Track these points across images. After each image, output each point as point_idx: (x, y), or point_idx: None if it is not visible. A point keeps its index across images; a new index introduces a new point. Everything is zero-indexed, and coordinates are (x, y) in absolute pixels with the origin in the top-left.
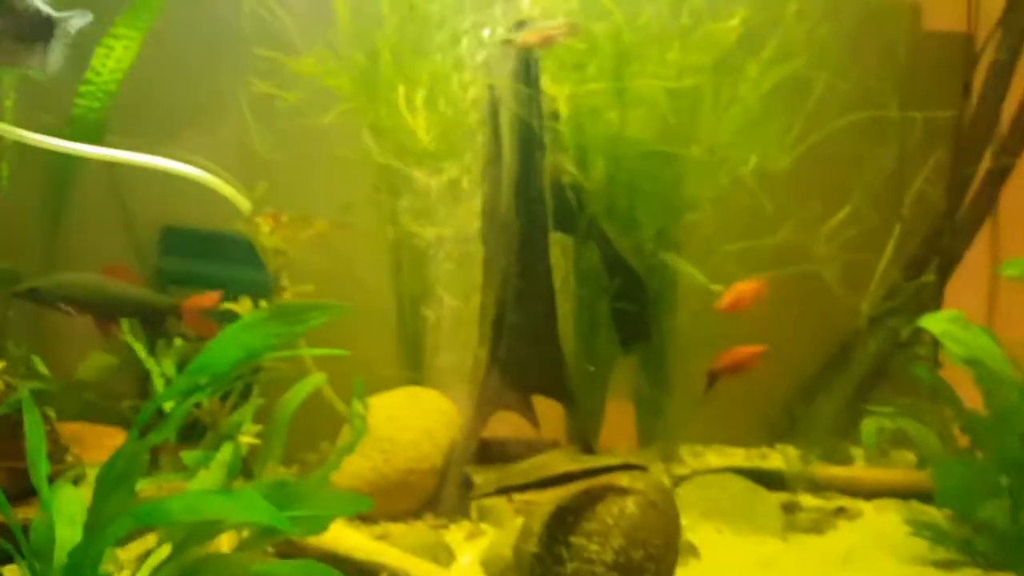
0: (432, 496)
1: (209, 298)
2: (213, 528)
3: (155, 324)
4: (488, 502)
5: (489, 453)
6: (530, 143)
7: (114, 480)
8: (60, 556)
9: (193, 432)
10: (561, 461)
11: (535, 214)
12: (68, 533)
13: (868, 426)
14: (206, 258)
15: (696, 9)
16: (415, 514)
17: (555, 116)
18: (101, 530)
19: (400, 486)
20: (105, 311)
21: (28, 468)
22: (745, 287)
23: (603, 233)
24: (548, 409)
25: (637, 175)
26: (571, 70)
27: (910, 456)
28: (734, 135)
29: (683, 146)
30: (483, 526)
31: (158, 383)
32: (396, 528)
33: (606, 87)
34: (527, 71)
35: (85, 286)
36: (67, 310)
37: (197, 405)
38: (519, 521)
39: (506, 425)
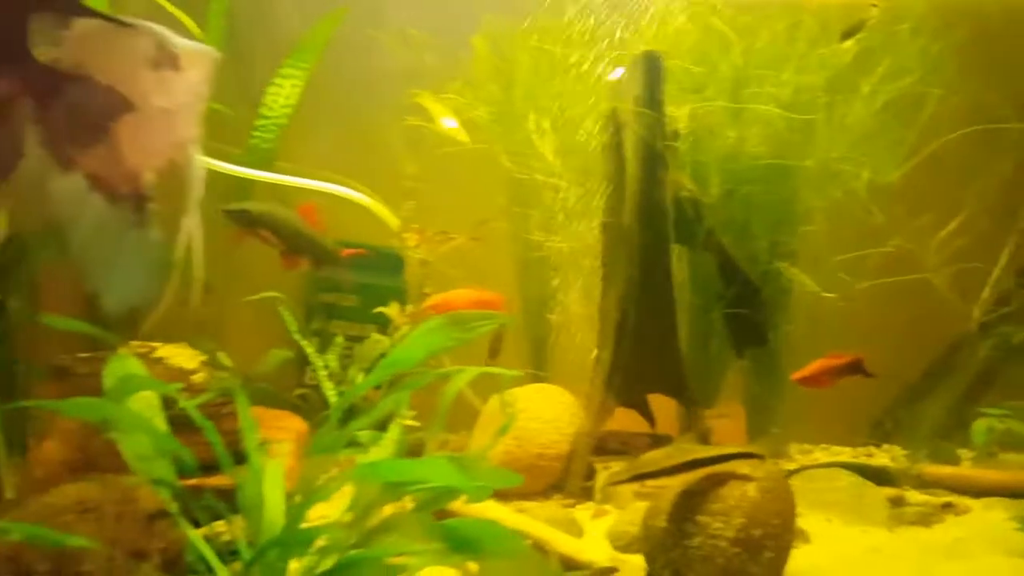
0: (558, 480)
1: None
2: (396, 494)
3: (321, 265)
4: (609, 487)
5: (607, 445)
6: (653, 161)
7: (320, 451)
8: (270, 512)
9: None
10: (687, 451)
11: (658, 226)
12: (274, 494)
13: (978, 426)
14: (352, 267)
15: (812, 34)
16: (543, 495)
17: (675, 135)
18: (314, 491)
19: (530, 469)
20: (292, 245)
21: (243, 437)
22: (830, 363)
23: (720, 244)
24: (659, 408)
25: (753, 189)
26: (690, 92)
27: (1019, 458)
28: (847, 150)
29: (798, 161)
30: (606, 507)
31: (321, 374)
32: (530, 505)
33: (724, 107)
34: (652, 95)
35: (285, 220)
36: (266, 237)
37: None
38: (639, 504)
39: (616, 421)
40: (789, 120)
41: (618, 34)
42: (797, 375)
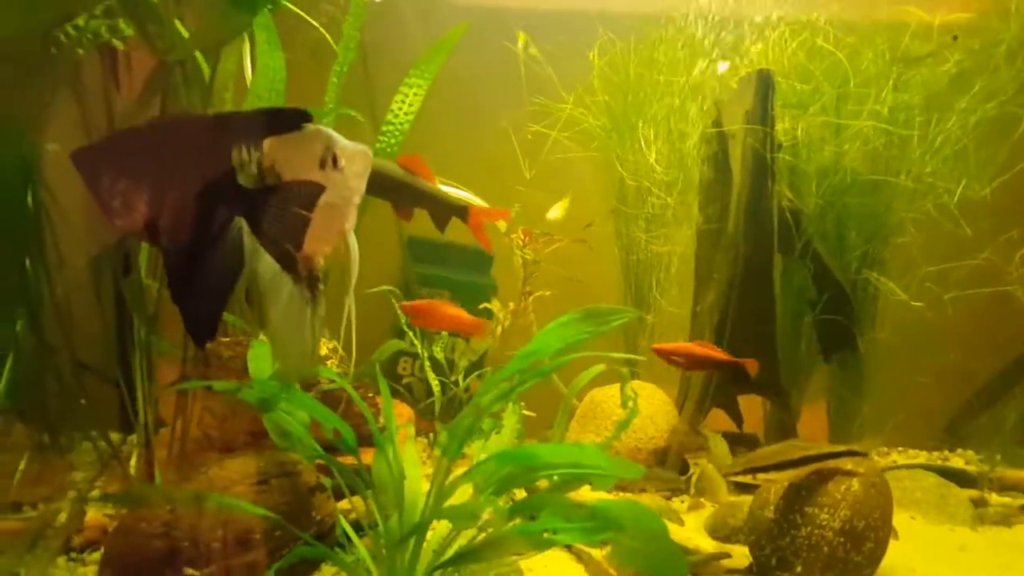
0: (655, 472)
1: (498, 212)
2: (529, 477)
3: (442, 220)
4: (704, 481)
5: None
6: (762, 172)
7: (459, 436)
8: (411, 490)
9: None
10: (796, 448)
11: (763, 235)
12: (414, 472)
13: None
14: (443, 263)
15: (911, 54)
16: (639, 487)
17: (778, 148)
18: (444, 476)
19: None
20: (400, 198)
21: (383, 423)
22: (700, 350)
23: (816, 252)
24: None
25: (849, 201)
26: (794, 108)
27: None
28: (940, 165)
29: (892, 176)
30: (702, 500)
31: (426, 365)
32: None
33: (826, 122)
34: (763, 110)
35: (382, 171)
36: None
37: (455, 383)
38: (736, 498)
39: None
40: (886, 137)
41: (724, 54)
42: (659, 346)
